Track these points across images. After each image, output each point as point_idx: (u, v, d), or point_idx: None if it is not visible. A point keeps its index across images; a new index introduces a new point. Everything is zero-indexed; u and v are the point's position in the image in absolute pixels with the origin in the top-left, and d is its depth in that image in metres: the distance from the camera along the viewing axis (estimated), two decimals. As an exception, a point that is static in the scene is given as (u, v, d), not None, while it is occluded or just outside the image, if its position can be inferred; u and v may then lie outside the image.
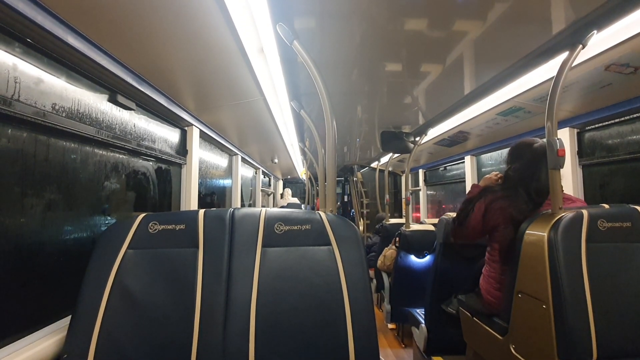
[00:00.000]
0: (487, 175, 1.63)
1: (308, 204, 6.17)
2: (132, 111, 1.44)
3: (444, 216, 1.97)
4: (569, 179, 1.96)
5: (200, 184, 2.18)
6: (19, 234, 0.93)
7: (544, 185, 1.25)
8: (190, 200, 1.95)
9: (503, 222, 1.35)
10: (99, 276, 0.96)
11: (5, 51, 0.87)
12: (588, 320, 1.01)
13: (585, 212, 1.12)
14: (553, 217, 1.14)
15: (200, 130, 2.07)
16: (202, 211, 1.05)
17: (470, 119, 2.29)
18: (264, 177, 5.24)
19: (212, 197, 2.66)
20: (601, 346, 1.00)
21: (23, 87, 0.92)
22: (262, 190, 4.81)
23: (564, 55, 1.21)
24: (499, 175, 1.57)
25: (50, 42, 0.94)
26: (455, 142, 2.99)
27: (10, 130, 0.88)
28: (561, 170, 1.21)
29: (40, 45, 0.95)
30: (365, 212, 5.84)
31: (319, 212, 1.06)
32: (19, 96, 0.90)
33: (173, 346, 0.89)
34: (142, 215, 1.06)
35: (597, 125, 1.90)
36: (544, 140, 1.33)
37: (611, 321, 1.03)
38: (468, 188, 3.25)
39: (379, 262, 2.95)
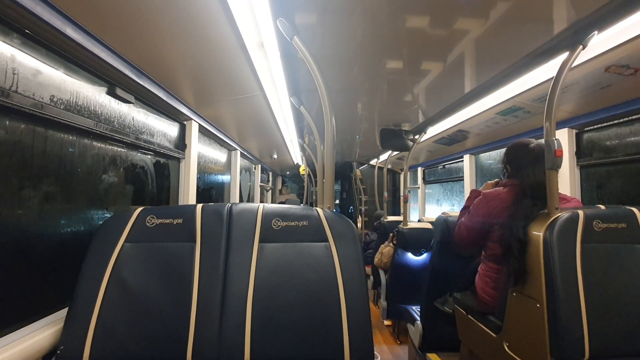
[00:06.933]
0: (487, 182, 1.65)
1: (306, 202, 6.16)
2: (131, 104, 1.44)
3: (441, 214, 1.98)
4: (567, 179, 1.96)
5: (198, 179, 2.18)
6: (16, 226, 0.93)
7: (541, 184, 1.25)
8: (188, 194, 1.95)
9: (500, 220, 1.36)
10: (96, 269, 0.96)
11: (4, 42, 0.87)
12: (581, 319, 1.02)
13: (581, 212, 1.12)
14: (549, 217, 1.15)
15: (200, 125, 2.06)
16: (199, 206, 1.06)
17: (470, 118, 2.30)
18: (263, 173, 5.24)
19: (210, 192, 2.66)
20: (593, 345, 1.01)
21: (21, 78, 0.91)
22: (260, 186, 4.81)
23: (564, 55, 1.21)
24: (497, 181, 1.59)
25: (49, 33, 0.94)
26: (455, 140, 3.00)
27: (8, 121, 0.88)
28: (559, 170, 1.21)
29: (39, 36, 0.94)
30: (363, 209, 5.85)
31: (317, 208, 1.07)
32: (16, 87, 0.90)
33: (169, 339, 0.90)
34: (140, 208, 1.06)
35: (596, 127, 1.90)
36: (539, 140, 1.34)
37: (604, 321, 1.04)
38: (466, 187, 3.27)
39: (376, 259, 2.96)
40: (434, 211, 4.36)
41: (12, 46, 0.89)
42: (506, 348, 1.24)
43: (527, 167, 1.36)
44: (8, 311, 0.90)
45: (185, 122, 1.96)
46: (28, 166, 0.95)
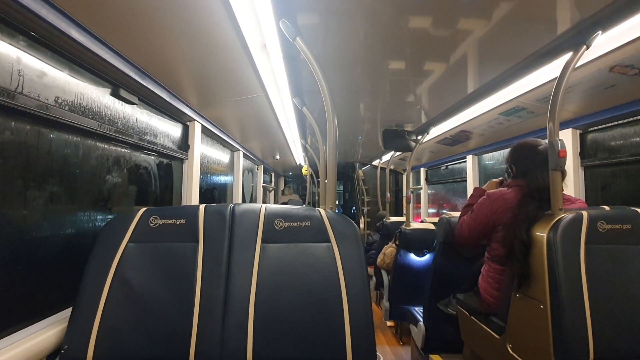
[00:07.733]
0: (491, 180, 1.63)
1: (309, 203, 6.16)
2: (135, 105, 1.45)
3: (444, 215, 1.97)
4: (571, 180, 1.95)
5: (201, 180, 2.19)
6: (21, 226, 0.94)
7: (548, 188, 1.24)
8: (191, 195, 1.95)
9: (503, 221, 1.35)
10: (99, 269, 0.97)
11: (10, 44, 0.87)
12: (585, 321, 1.01)
13: (585, 213, 1.12)
14: (553, 218, 1.14)
15: (202, 126, 2.07)
16: (202, 206, 1.06)
17: (473, 119, 2.29)
18: (265, 174, 5.25)
19: (213, 192, 2.67)
20: (598, 347, 1.00)
21: (26, 80, 0.92)
22: (263, 187, 4.82)
23: (567, 55, 1.20)
24: (501, 180, 1.58)
25: (53, 35, 0.94)
26: (457, 141, 2.99)
27: (13, 122, 0.89)
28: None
29: (44, 38, 0.95)
30: (365, 210, 5.85)
31: (319, 209, 1.07)
32: (22, 89, 0.91)
33: (172, 339, 0.90)
34: (143, 209, 1.06)
35: (600, 127, 1.89)
36: (547, 141, 1.33)
37: (608, 322, 1.03)
38: (469, 187, 3.26)
39: (378, 259, 2.95)
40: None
41: (18, 48, 0.90)
42: (509, 349, 1.24)
43: (536, 170, 1.33)
44: (13, 311, 0.91)
45: (188, 123, 1.97)
46: (33, 167, 0.96)
